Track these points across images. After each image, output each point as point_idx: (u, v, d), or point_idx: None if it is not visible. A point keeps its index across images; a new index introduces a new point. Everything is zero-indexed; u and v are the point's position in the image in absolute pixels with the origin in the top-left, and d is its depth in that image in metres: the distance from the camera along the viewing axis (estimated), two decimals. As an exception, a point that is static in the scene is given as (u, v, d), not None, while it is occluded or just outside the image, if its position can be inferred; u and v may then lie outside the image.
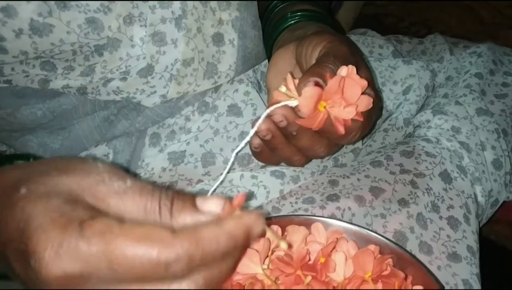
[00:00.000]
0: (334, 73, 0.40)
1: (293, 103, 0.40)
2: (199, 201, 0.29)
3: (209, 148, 0.52)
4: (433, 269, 0.43)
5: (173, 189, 0.29)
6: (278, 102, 0.40)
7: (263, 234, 0.29)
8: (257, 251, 0.39)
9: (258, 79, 0.58)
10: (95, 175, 0.28)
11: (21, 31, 0.41)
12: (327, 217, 0.44)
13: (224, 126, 0.53)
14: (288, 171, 0.49)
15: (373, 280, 0.38)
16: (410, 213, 0.47)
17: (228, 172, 0.41)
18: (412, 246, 0.45)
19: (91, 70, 0.47)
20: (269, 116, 0.40)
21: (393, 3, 1.14)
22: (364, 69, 0.44)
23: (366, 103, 0.40)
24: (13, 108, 0.49)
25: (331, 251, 0.40)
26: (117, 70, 0.47)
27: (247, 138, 0.40)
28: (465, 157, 0.53)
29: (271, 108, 0.40)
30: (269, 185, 0.48)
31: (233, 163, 0.41)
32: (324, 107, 0.39)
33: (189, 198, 0.29)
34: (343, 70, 0.40)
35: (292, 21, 0.55)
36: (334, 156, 0.53)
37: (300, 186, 0.50)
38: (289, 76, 0.42)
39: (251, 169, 0.51)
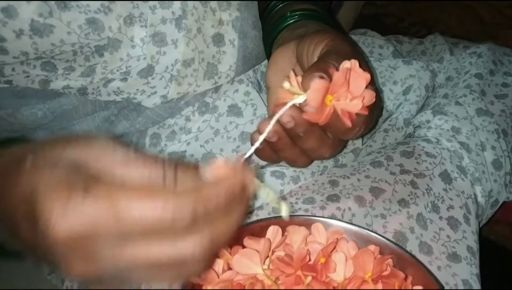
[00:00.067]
0: (337, 69, 0.40)
1: (299, 99, 0.39)
2: (202, 169, 0.30)
3: (210, 148, 0.52)
4: (433, 269, 0.43)
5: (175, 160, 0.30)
6: (284, 100, 0.40)
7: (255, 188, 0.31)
8: (257, 251, 0.39)
9: (258, 79, 0.58)
10: (98, 147, 0.29)
11: (21, 31, 0.41)
12: (327, 218, 0.44)
13: (225, 127, 0.53)
14: (288, 171, 0.49)
15: (373, 280, 0.38)
16: (410, 214, 0.47)
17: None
18: (412, 246, 0.45)
19: (92, 71, 0.47)
20: (274, 117, 0.40)
21: (393, 3, 1.14)
22: (365, 68, 0.44)
23: (369, 97, 0.40)
24: (14, 108, 0.49)
25: (331, 252, 0.40)
26: (117, 70, 0.47)
27: (257, 144, 0.39)
28: (465, 158, 0.53)
29: (280, 112, 0.39)
30: (269, 185, 0.48)
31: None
32: (330, 101, 0.39)
33: (192, 166, 0.30)
34: (346, 64, 0.40)
35: (291, 20, 0.55)
36: (334, 156, 0.53)
37: (300, 187, 0.50)
38: (292, 73, 0.42)
39: (251, 169, 0.51)
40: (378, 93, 0.43)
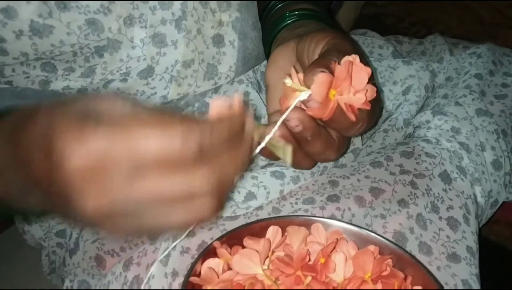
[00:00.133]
0: (339, 64, 0.40)
1: (303, 95, 0.39)
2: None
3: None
4: (433, 269, 0.43)
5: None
6: (288, 97, 0.40)
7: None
8: (257, 251, 0.39)
9: (258, 80, 0.58)
10: (110, 100, 0.30)
11: (21, 32, 0.41)
12: (327, 218, 0.44)
13: (224, 127, 0.53)
14: (288, 171, 0.49)
15: (372, 280, 0.38)
16: (409, 214, 0.47)
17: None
18: (411, 246, 0.45)
19: (92, 71, 0.47)
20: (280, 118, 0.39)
21: (393, 3, 1.14)
22: (366, 64, 0.44)
23: (371, 92, 0.40)
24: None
25: (331, 252, 0.40)
26: (117, 71, 0.47)
27: (262, 144, 0.39)
28: (465, 158, 0.53)
29: (286, 113, 0.39)
30: (269, 185, 0.49)
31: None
32: (334, 95, 0.39)
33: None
34: (348, 58, 0.40)
35: (290, 20, 0.55)
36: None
37: (300, 187, 0.50)
38: (293, 70, 0.42)
39: (251, 170, 0.51)
40: (378, 90, 0.43)
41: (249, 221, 0.45)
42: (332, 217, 0.45)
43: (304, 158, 0.44)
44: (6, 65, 0.44)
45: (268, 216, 0.46)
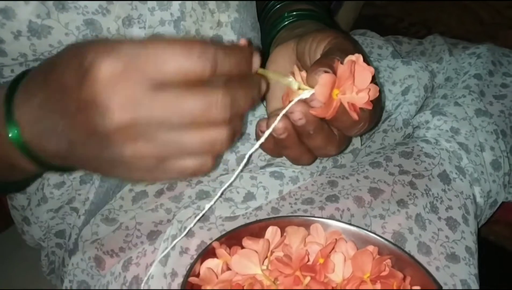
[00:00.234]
0: (342, 64, 0.40)
1: (305, 94, 0.39)
2: None
3: (209, 149, 0.52)
4: (432, 269, 0.43)
5: None
6: (291, 96, 0.40)
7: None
8: (256, 251, 0.39)
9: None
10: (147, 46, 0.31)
11: (19, 33, 0.41)
12: (326, 218, 0.44)
13: (224, 127, 0.53)
14: (287, 172, 0.49)
15: (371, 280, 0.38)
16: (409, 214, 0.47)
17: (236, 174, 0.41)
18: (410, 246, 0.45)
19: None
20: (285, 114, 0.40)
21: (392, 3, 1.14)
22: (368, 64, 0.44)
23: (374, 91, 0.40)
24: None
25: (330, 252, 0.40)
26: (116, 71, 0.47)
27: (262, 139, 0.39)
28: (464, 158, 0.53)
29: (289, 105, 0.39)
30: (268, 185, 0.49)
31: (245, 164, 0.41)
32: (337, 94, 0.39)
33: None
34: (351, 57, 0.40)
35: (289, 21, 0.55)
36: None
37: (299, 187, 0.50)
38: (296, 68, 0.42)
39: (250, 170, 0.51)
40: (381, 90, 0.43)
41: (248, 221, 0.45)
42: (331, 218, 0.45)
43: (305, 153, 0.44)
44: (4, 66, 0.44)
45: (267, 217, 0.46)
